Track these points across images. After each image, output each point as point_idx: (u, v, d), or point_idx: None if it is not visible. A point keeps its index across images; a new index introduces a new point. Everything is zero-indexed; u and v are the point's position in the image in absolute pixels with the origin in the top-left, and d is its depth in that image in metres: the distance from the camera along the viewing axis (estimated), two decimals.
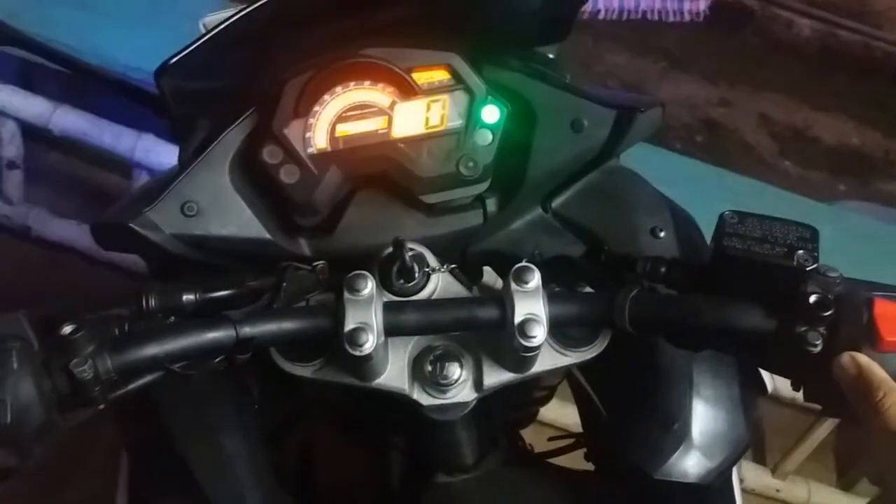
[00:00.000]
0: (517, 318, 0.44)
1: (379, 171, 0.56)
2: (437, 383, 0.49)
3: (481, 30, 0.55)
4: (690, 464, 0.53)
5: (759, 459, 1.64)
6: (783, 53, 3.77)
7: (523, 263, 0.45)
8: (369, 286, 0.44)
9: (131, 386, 0.41)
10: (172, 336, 0.41)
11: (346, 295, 0.44)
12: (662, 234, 0.58)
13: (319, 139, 0.54)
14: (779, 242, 0.43)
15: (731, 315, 0.43)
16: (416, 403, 0.49)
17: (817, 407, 0.45)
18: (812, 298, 0.40)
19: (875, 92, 3.48)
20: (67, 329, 0.38)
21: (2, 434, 0.36)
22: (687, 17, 1.64)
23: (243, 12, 0.46)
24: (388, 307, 0.45)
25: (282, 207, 0.55)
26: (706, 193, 1.26)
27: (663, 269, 0.48)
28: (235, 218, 0.54)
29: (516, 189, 0.58)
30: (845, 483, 1.67)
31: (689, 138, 2.74)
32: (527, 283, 0.45)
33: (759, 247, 0.43)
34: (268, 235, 0.55)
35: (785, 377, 0.43)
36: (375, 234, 0.56)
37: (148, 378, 0.42)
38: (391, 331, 0.45)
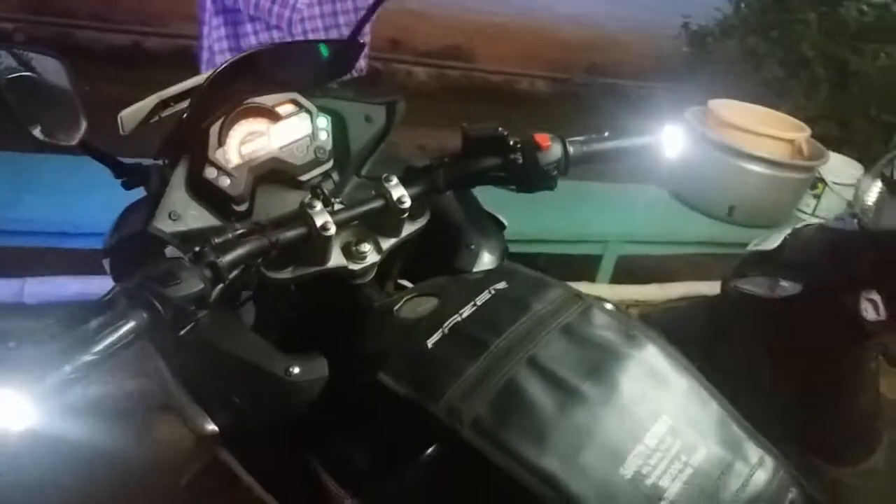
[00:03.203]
0: (394, 197, 0.88)
1: (270, 168, 0.94)
2: (359, 255, 0.89)
3: (304, 80, 0.98)
4: (487, 260, 1.00)
5: None
6: (414, 96, 4.68)
7: (386, 174, 0.89)
8: (319, 204, 0.84)
9: (232, 274, 0.75)
10: (245, 244, 0.76)
11: (308, 210, 0.83)
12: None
13: (234, 157, 0.90)
14: (493, 128, 0.93)
15: (484, 163, 0.92)
16: (350, 272, 0.89)
17: None
18: (511, 142, 0.91)
19: (487, 108, 4.54)
20: (197, 248, 0.72)
21: (201, 294, 0.68)
22: (355, 74, 2.17)
23: (196, 96, 0.83)
24: (331, 212, 0.85)
25: (221, 203, 0.90)
26: None
27: (445, 159, 0.96)
28: (198, 216, 0.87)
29: (346, 164, 1.01)
30: None
31: None
32: (392, 181, 0.88)
33: (483, 130, 0.93)
34: (218, 223, 0.89)
35: (516, 184, 0.94)
36: (276, 208, 0.94)
37: (236, 271, 0.76)
38: (338, 223, 0.84)
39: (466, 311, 0.80)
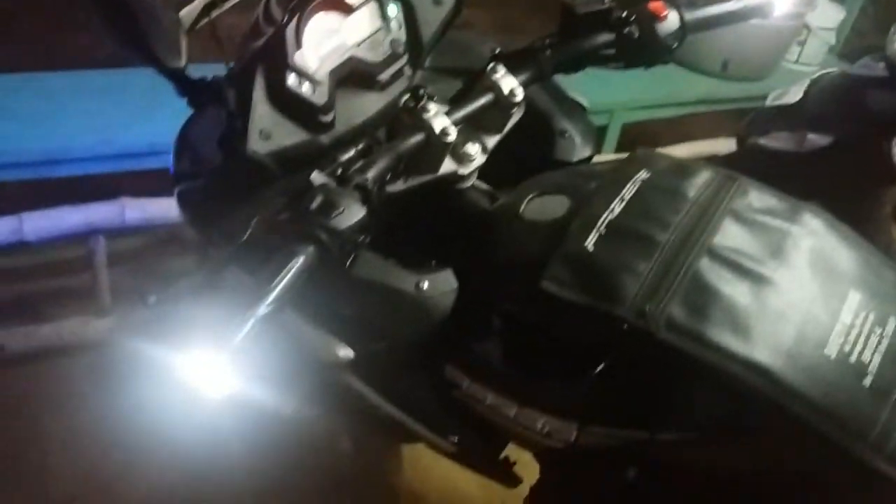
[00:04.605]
0: (505, 91, 0.80)
1: (350, 69, 0.84)
2: (467, 158, 0.83)
3: None
4: (583, 147, 0.95)
5: None
6: None
7: (491, 64, 0.80)
8: (434, 106, 0.76)
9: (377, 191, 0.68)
10: (378, 160, 0.69)
11: (424, 116, 0.75)
12: (497, 51, 0.96)
13: (313, 60, 0.80)
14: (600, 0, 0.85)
15: (595, 41, 0.85)
16: (460, 176, 0.82)
17: None
18: (623, 15, 0.83)
19: None
20: (339, 171, 0.65)
21: (365, 221, 0.63)
22: None
23: None
24: (447, 112, 0.77)
25: (304, 115, 0.80)
26: None
27: (547, 41, 0.87)
28: (286, 131, 0.78)
29: (418, 56, 0.91)
30: None
31: None
32: (499, 72, 0.80)
33: (590, 5, 0.84)
34: (307, 136, 0.80)
35: (628, 61, 0.87)
36: (359, 115, 0.84)
37: (378, 186, 0.69)
38: (455, 122, 0.77)
39: (616, 206, 0.75)
